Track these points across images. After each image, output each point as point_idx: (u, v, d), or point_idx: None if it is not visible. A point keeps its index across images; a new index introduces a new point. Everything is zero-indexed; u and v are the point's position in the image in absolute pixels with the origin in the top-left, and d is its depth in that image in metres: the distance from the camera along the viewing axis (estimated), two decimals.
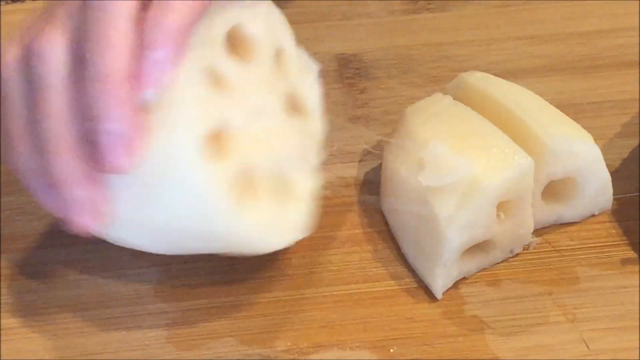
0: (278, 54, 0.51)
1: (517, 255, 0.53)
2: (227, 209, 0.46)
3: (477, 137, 0.51)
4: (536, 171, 0.51)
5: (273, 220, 0.49)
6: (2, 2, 0.67)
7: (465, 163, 0.50)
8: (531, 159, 0.50)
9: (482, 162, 0.50)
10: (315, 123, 0.52)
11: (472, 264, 0.52)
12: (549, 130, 0.52)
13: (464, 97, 0.54)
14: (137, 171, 0.45)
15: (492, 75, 0.56)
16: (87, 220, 0.46)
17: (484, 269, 0.52)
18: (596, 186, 0.53)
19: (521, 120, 0.52)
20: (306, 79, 0.52)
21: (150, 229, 0.47)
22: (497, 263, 0.53)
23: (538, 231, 0.54)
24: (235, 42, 0.48)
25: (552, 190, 0.53)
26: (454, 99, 0.54)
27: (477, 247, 0.51)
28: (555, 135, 0.52)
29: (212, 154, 0.46)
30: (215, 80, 0.47)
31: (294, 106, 0.51)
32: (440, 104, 0.54)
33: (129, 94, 0.44)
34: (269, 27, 0.50)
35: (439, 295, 0.51)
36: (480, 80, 0.55)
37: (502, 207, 0.51)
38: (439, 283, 0.51)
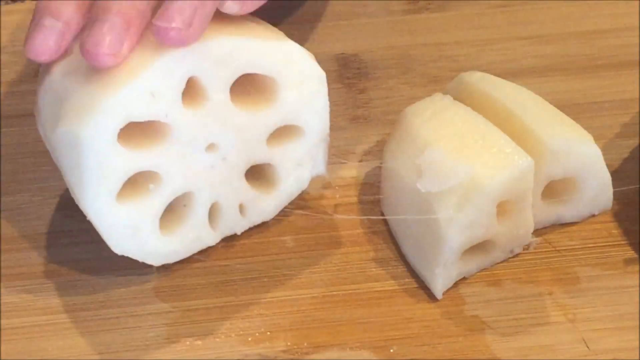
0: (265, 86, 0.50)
1: (517, 255, 0.53)
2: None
3: (477, 137, 0.51)
4: (536, 171, 0.51)
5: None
6: (2, 2, 0.67)
7: (464, 166, 0.49)
8: (531, 159, 0.50)
9: (482, 162, 0.50)
10: (267, 204, 0.53)
11: (472, 264, 0.52)
12: (549, 130, 0.52)
13: (464, 97, 0.54)
14: None
15: (492, 75, 0.56)
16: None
17: (484, 269, 0.52)
18: (596, 186, 0.53)
19: (521, 120, 0.52)
20: (297, 170, 0.53)
21: None
22: (497, 263, 0.53)
23: (538, 231, 0.54)
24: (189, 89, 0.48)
25: (552, 190, 0.53)
26: (454, 99, 0.54)
27: (477, 247, 0.51)
28: (555, 136, 0.52)
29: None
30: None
31: (281, 132, 0.52)
32: (440, 103, 0.54)
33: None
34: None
35: (439, 296, 0.51)
36: (480, 80, 0.55)
37: (502, 207, 0.51)
38: (439, 283, 0.51)
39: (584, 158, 0.52)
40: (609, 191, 0.54)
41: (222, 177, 0.51)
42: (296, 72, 0.50)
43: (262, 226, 0.54)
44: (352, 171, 0.57)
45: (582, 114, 0.58)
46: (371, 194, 0.56)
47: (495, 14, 0.67)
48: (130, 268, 0.52)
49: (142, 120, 0.47)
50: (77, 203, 0.49)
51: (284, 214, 0.55)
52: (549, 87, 0.61)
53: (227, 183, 0.51)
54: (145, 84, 0.47)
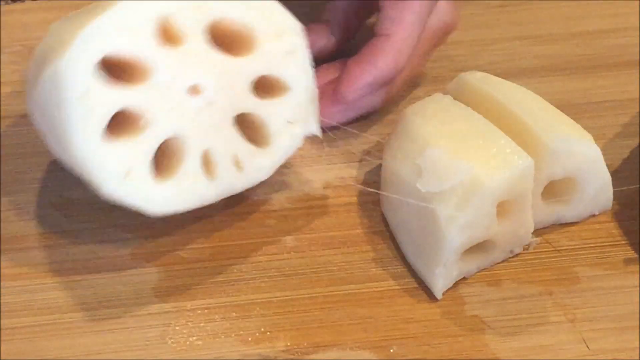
0: (246, 36, 0.51)
1: (517, 255, 0.53)
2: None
3: (477, 137, 0.51)
4: (536, 171, 0.51)
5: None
6: (2, 2, 0.67)
7: (464, 166, 0.49)
8: (531, 159, 0.50)
9: (482, 162, 0.50)
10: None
11: (472, 264, 0.52)
12: (549, 130, 0.52)
13: (464, 97, 0.54)
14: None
15: (492, 75, 0.56)
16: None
17: (484, 269, 0.52)
18: (596, 186, 0.53)
19: (521, 120, 0.52)
20: (289, 128, 0.53)
21: None
22: (497, 263, 0.53)
23: (538, 231, 0.54)
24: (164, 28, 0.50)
25: (552, 190, 0.53)
26: (454, 98, 0.54)
27: (477, 247, 0.51)
28: (555, 136, 0.52)
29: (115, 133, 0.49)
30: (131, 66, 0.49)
31: (267, 86, 0.52)
32: (440, 103, 0.54)
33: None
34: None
35: (439, 295, 0.51)
36: (480, 80, 0.55)
37: (502, 207, 0.51)
38: (439, 283, 0.51)
39: (584, 158, 0.52)
40: (609, 191, 0.54)
41: (210, 123, 0.51)
42: (273, 23, 0.51)
43: (262, 226, 0.54)
44: (352, 171, 0.57)
45: (582, 114, 0.58)
46: (371, 194, 0.56)
47: (495, 14, 0.67)
48: (130, 268, 0.53)
49: (117, 54, 0.48)
50: (65, 153, 0.49)
51: (284, 213, 0.55)
52: (549, 87, 0.61)
53: (217, 130, 0.51)
54: (117, 17, 0.48)
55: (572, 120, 0.54)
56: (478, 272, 0.52)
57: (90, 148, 0.48)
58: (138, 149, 0.49)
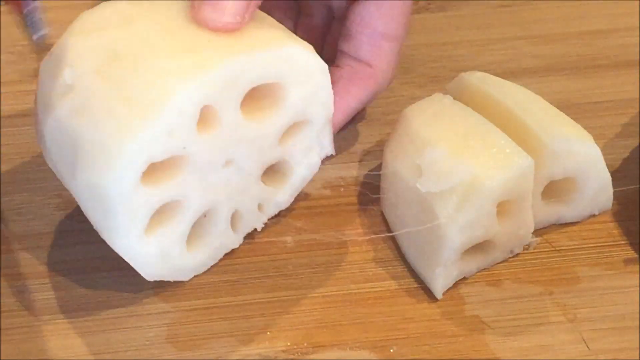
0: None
1: (517, 255, 0.53)
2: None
3: (477, 137, 0.51)
4: (536, 171, 0.51)
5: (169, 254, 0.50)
6: (2, 2, 0.67)
7: (464, 166, 0.49)
8: (531, 159, 0.50)
9: (482, 162, 0.50)
10: (283, 195, 0.53)
11: (472, 264, 0.52)
12: (549, 130, 0.52)
13: (464, 97, 0.54)
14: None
15: (492, 75, 0.56)
16: None
17: (484, 269, 0.52)
18: (596, 186, 0.53)
19: (521, 120, 0.52)
20: (307, 157, 0.53)
21: None
22: (498, 263, 0.53)
23: (538, 231, 0.54)
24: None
25: (552, 190, 0.53)
26: (454, 99, 0.54)
27: (477, 247, 0.51)
28: (555, 136, 0.52)
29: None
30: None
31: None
32: (440, 103, 0.54)
33: None
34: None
35: (439, 295, 0.51)
36: (480, 80, 0.55)
37: (502, 207, 0.51)
38: (439, 283, 0.51)
39: (584, 158, 0.52)
40: (609, 191, 0.54)
41: (239, 186, 0.51)
42: (301, 71, 0.50)
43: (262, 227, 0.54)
44: (352, 171, 0.57)
45: (582, 114, 0.58)
46: (371, 193, 0.56)
47: (496, 14, 0.67)
48: (131, 268, 0.52)
49: (162, 159, 0.47)
50: (105, 240, 0.49)
51: (283, 212, 0.55)
52: (549, 87, 0.61)
53: (245, 190, 0.51)
54: (162, 125, 0.46)
55: (572, 120, 0.54)
56: (478, 272, 0.52)
57: (132, 247, 0.48)
58: (175, 233, 0.49)
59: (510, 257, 0.53)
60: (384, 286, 0.52)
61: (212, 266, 0.52)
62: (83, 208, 0.49)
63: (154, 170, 0.47)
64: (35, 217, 0.55)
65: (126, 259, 0.49)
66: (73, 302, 0.51)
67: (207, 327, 0.50)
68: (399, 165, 0.52)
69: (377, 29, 0.55)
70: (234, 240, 0.52)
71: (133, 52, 0.47)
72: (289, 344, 0.50)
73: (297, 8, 0.60)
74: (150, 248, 0.49)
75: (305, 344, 0.50)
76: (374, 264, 0.53)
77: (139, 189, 0.47)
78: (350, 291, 0.52)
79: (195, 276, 0.52)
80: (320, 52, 0.57)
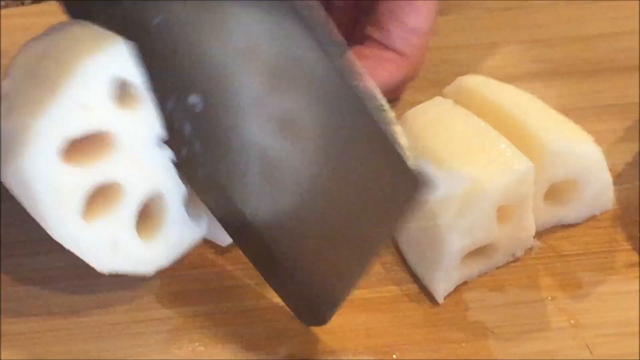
0: None
1: (519, 260, 0.53)
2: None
3: (478, 141, 0.51)
4: (538, 174, 0.51)
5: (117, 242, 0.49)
6: (2, 3, 0.67)
7: (465, 171, 0.49)
8: (532, 163, 0.50)
9: (482, 166, 0.50)
10: None
11: (473, 268, 0.52)
12: (550, 132, 0.52)
13: (464, 100, 0.54)
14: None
15: (492, 79, 0.56)
16: None
17: (486, 274, 0.52)
18: (597, 187, 0.53)
19: (522, 123, 0.52)
20: None
21: None
22: (499, 267, 0.52)
23: (540, 235, 0.53)
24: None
25: (554, 192, 0.53)
26: (455, 102, 0.54)
27: (479, 251, 0.51)
28: (556, 138, 0.52)
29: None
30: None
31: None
32: (440, 107, 0.54)
33: None
34: None
35: (440, 300, 0.51)
36: (480, 84, 0.55)
37: (503, 211, 0.50)
38: (441, 287, 0.51)
39: (585, 160, 0.52)
40: (610, 191, 0.54)
41: None
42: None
43: None
44: None
45: (584, 118, 0.58)
46: None
47: (496, 18, 0.67)
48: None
49: (80, 135, 0.46)
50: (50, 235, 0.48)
51: None
52: (551, 91, 0.61)
53: None
54: (71, 98, 0.45)
55: (572, 123, 0.54)
56: (480, 276, 0.52)
57: (72, 233, 0.47)
58: (120, 219, 0.48)
59: (512, 262, 0.53)
60: (386, 291, 0.52)
61: (213, 272, 0.52)
62: (20, 201, 0.48)
63: (80, 150, 0.46)
64: (35, 222, 0.55)
65: (69, 248, 0.48)
66: (74, 307, 0.51)
67: (209, 333, 0.50)
68: None
69: (408, 24, 0.57)
70: (197, 230, 0.51)
71: (61, 48, 0.47)
72: (291, 350, 0.50)
73: None
74: (93, 236, 0.48)
75: (308, 351, 0.49)
76: (375, 269, 0.53)
77: (62, 169, 0.46)
78: (352, 297, 0.51)
79: (196, 282, 0.52)
80: (351, 33, 0.59)
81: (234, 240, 0.50)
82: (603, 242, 0.54)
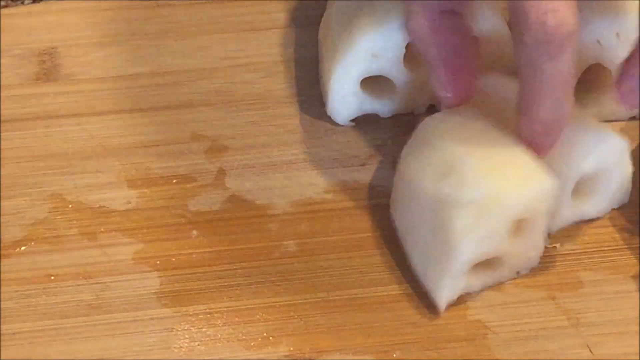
0: None
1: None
2: None
3: (501, 152, 0.50)
4: (568, 169, 0.51)
5: None
6: (2, 3, 0.67)
7: (486, 180, 0.49)
8: (552, 180, 0.49)
9: (504, 177, 0.49)
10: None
11: (478, 280, 0.51)
12: (579, 127, 0.52)
13: (482, 101, 0.54)
14: None
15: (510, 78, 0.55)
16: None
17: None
18: (620, 179, 0.53)
19: None
20: None
21: None
22: (502, 283, 0.52)
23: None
24: None
25: (578, 188, 0.53)
26: (473, 107, 0.53)
27: (485, 264, 0.51)
28: (587, 131, 0.52)
29: None
30: None
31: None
32: (463, 115, 0.53)
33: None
34: None
35: (442, 307, 0.50)
36: (498, 84, 0.54)
37: (517, 225, 0.50)
38: (444, 295, 0.50)
39: (614, 151, 0.52)
40: (629, 183, 0.54)
41: None
42: None
43: (264, 230, 0.54)
44: (354, 175, 0.57)
45: None
46: (373, 198, 0.56)
47: None
48: (132, 273, 0.52)
49: (369, 74, 0.56)
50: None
51: (286, 217, 0.54)
52: None
53: None
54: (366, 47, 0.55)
55: (592, 117, 0.54)
56: (482, 290, 0.52)
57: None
58: None
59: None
60: (387, 291, 0.52)
61: (213, 272, 0.52)
62: None
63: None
64: (34, 221, 0.55)
65: None
66: (74, 307, 0.51)
67: (209, 332, 0.50)
68: (418, 172, 0.51)
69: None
70: None
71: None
72: (291, 349, 0.49)
73: None
74: None
75: (307, 349, 0.49)
76: (376, 268, 0.53)
77: (358, 93, 0.58)
78: (352, 296, 0.52)
79: (197, 281, 0.52)
80: None
81: None
82: (604, 242, 0.54)
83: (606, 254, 0.53)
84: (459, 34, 0.52)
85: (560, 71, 0.47)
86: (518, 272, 0.52)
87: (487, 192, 0.49)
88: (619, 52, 0.56)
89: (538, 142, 0.50)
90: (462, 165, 0.50)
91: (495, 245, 0.50)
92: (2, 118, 0.60)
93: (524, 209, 0.49)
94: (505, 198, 0.49)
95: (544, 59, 0.47)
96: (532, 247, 0.51)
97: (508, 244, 0.50)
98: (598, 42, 0.55)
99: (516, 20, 0.47)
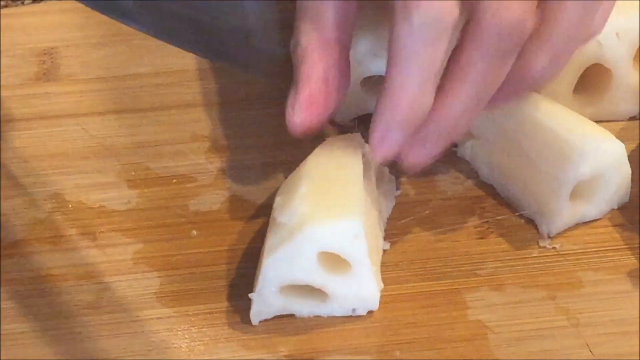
0: None
1: (520, 259, 0.53)
2: None
3: (338, 185, 0.50)
4: (565, 173, 0.51)
5: None
6: (2, 3, 0.67)
7: (302, 209, 0.48)
8: (360, 220, 0.48)
9: (317, 209, 0.49)
10: None
11: (305, 307, 0.50)
12: (574, 132, 0.52)
13: None
14: None
15: None
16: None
17: (488, 275, 0.52)
18: (618, 181, 0.53)
19: (548, 127, 0.52)
20: None
21: None
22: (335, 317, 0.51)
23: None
24: None
25: (577, 190, 0.53)
26: None
27: (314, 294, 0.50)
28: (581, 137, 0.52)
29: None
30: None
31: None
32: (336, 144, 0.53)
33: None
34: None
35: (254, 322, 0.50)
36: None
37: (338, 262, 0.49)
38: (255, 310, 0.50)
39: (611, 155, 0.52)
40: (629, 184, 0.54)
41: None
42: None
43: (264, 230, 0.54)
44: None
45: None
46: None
47: None
48: (132, 273, 0.52)
49: (369, 74, 0.55)
50: None
51: None
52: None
53: None
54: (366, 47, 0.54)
55: (591, 121, 0.54)
56: (480, 275, 0.52)
57: None
58: None
59: (512, 262, 0.53)
60: (386, 290, 0.51)
61: (213, 272, 0.52)
62: None
63: None
64: (35, 221, 0.55)
65: None
66: (74, 307, 0.51)
67: (209, 332, 0.50)
68: (282, 187, 0.52)
69: None
70: None
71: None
72: (291, 349, 0.49)
73: None
74: None
75: (307, 349, 0.49)
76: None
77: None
78: None
79: (197, 281, 0.52)
80: None
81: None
82: (603, 242, 0.54)
83: (606, 254, 0.53)
84: (343, 61, 0.50)
85: (434, 59, 0.47)
86: (354, 310, 0.50)
87: (296, 218, 0.48)
88: (619, 52, 0.56)
89: (388, 137, 0.48)
90: (297, 188, 0.50)
91: (303, 273, 0.49)
92: (2, 118, 0.60)
93: (329, 244, 0.48)
94: (308, 228, 0.48)
95: (421, 43, 0.46)
96: (361, 287, 0.49)
97: (324, 277, 0.49)
98: (598, 42, 0.55)
99: (404, 1, 0.46)
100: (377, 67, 0.55)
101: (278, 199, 0.51)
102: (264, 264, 0.49)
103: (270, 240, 0.49)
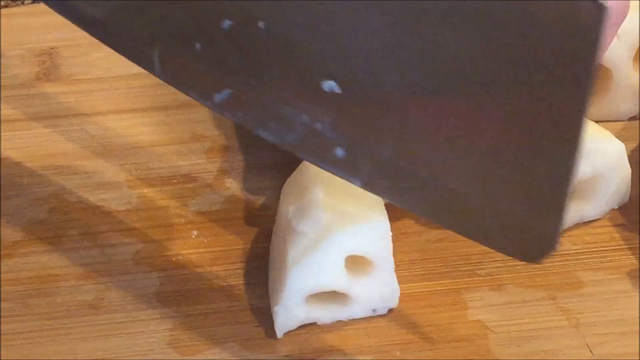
0: None
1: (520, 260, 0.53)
2: None
3: (352, 189, 0.48)
4: None
5: None
6: (2, 3, 0.67)
7: (324, 215, 0.48)
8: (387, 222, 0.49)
9: (340, 214, 0.49)
10: None
11: (327, 313, 0.50)
12: None
13: None
14: None
15: None
16: None
17: (487, 275, 0.52)
18: (618, 180, 0.53)
19: None
20: None
21: None
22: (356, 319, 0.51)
23: None
24: None
25: (577, 189, 0.53)
26: None
27: (334, 298, 0.50)
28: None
29: None
30: None
31: None
32: None
33: None
34: None
35: (279, 335, 0.49)
36: None
37: (361, 264, 0.49)
38: (279, 321, 0.49)
39: (611, 155, 0.53)
40: (629, 183, 0.54)
41: None
42: None
43: (264, 231, 0.54)
44: None
45: None
46: None
47: None
48: (132, 273, 0.52)
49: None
50: None
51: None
52: None
53: None
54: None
55: (590, 121, 0.54)
56: (480, 275, 0.52)
57: None
58: None
59: (512, 262, 0.53)
60: None
61: (213, 272, 0.52)
62: None
63: None
64: (35, 221, 0.55)
65: None
66: (74, 306, 0.51)
67: (209, 332, 0.50)
68: (283, 195, 0.52)
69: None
70: None
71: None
72: (291, 349, 0.49)
73: None
74: None
75: (307, 350, 0.49)
76: None
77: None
78: None
79: (197, 281, 0.52)
80: None
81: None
82: (603, 242, 0.54)
83: (606, 254, 0.53)
84: None
85: None
86: (374, 310, 0.51)
87: (320, 226, 0.48)
88: (619, 52, 0.56)
89: None
90: (311, 194, 0.50)
91: (330, 280, 0.49)
92: (2, 118, 0.60)
93: (356, 247, 0.48)
94: (335, 233, 0.48)
95: None
96: (384, 286, 0.50)
97: (348, 280, 0.49)
98: None
99: None
100: None
101: (292, 208, 0.50)
102: (288, 275, 0.48)
103: (292, 252, 0.48)
